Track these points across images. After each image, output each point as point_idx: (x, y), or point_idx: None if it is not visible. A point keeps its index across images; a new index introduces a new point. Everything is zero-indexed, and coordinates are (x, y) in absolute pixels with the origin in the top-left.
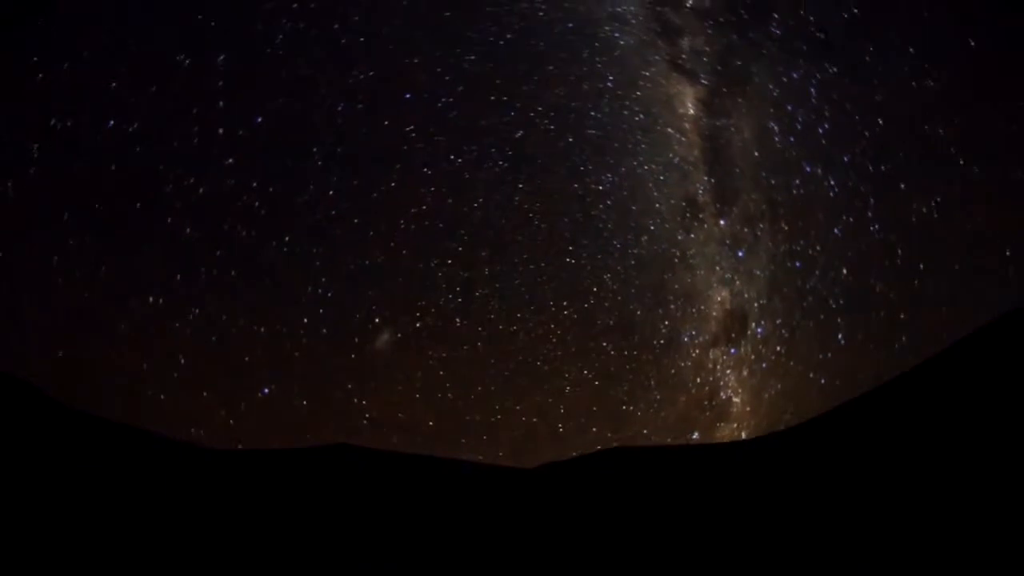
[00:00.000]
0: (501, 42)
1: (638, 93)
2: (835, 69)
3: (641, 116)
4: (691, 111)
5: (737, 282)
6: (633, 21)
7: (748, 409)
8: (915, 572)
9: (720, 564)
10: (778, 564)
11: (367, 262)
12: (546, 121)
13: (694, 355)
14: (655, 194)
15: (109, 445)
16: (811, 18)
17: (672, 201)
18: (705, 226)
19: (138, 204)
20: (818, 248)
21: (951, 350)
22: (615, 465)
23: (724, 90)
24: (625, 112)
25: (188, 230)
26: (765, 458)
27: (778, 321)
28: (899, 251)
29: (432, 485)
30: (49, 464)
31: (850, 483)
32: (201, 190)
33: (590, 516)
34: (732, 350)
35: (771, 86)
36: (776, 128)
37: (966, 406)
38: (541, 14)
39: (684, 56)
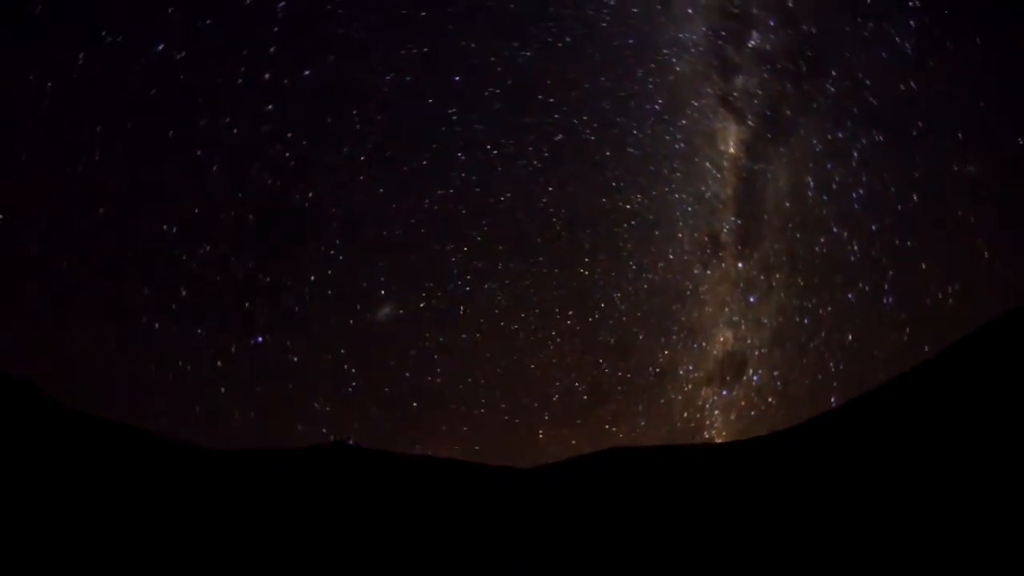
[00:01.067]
0: (559, 44)
1: (683, 122)
2: (881, 138)
3: (682, 144)
4: (731, 149)
5: (743, 326)
6: (693, 50)
7: None
8: (915, 571)
9: (720, 563)
10: (777, 562)
11: (384, 233)
12: (588, 131)
13: (686, 389)
14: (680, 224)
15: (109, 445)
16: (867, 82)
17: (695, 234)
18: (723, 265)
19: (171, 132)
20: (829, 309)
21: (951, 350)
22: (614, 465)
23: (768, 135)
24: (667, 138)
25: (215, 167)
26: (765, 457)
27: (775, 373)
28: (908, 329)
29: (432, 485)
30: (49, 464)
31: (850, 481)
32: (235, 131)
33: (590, 515)
34: (724, 392)
35: (815, 141)
36: (812, 183)
37: (966, 405)
38: (604, 25)
39: (736, 94)
